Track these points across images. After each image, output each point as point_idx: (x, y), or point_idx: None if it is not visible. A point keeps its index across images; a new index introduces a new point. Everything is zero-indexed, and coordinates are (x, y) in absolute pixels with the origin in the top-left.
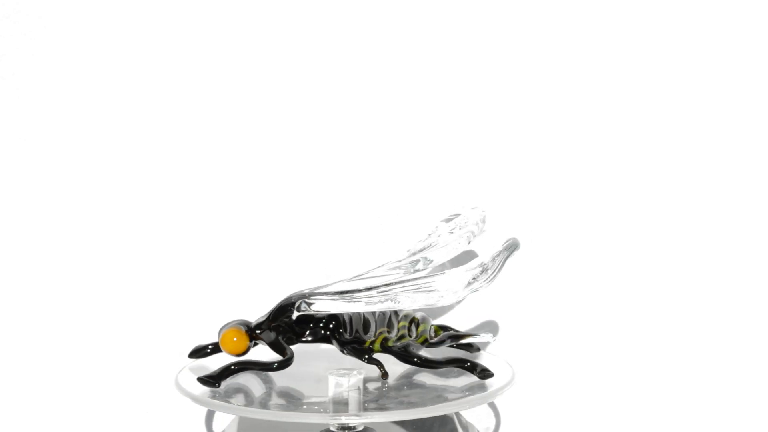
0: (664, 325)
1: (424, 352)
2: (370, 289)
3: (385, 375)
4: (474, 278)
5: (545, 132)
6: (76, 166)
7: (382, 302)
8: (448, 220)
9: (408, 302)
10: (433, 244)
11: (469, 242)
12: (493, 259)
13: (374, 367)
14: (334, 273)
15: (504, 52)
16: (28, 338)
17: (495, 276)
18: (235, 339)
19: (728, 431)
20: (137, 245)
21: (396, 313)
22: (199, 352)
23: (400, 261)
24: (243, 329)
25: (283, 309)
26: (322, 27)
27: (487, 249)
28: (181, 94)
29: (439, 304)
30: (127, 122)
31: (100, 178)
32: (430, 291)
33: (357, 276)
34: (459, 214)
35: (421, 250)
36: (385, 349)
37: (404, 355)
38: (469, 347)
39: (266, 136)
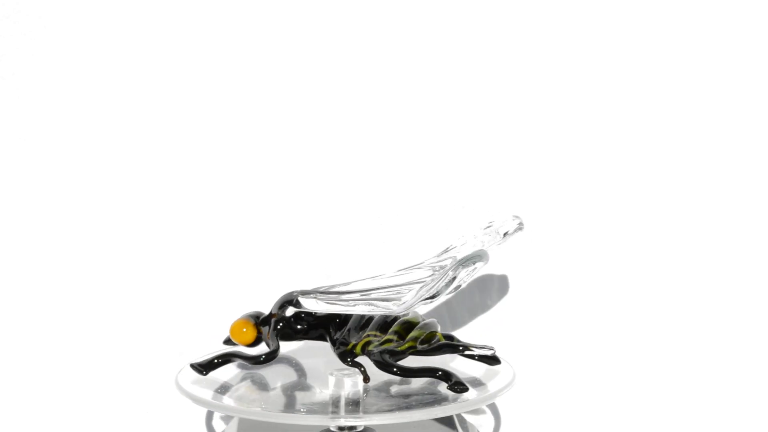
0: (664, 325)
1: (407, 360)
2: (354, 292)
3: (366, 379)
4: (419, 291)
5: (548, 132)
6: (76, 165)
7: (357, 306)
8: (482, 228)
9: (375, 309)
10: (451, 248)
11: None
12: (446, 271)
13: (374, 367)
14: (333, 273)
15: (503, 53)
16: (29, 339)
17: (444, 287)
18: (244, 330)
19: (728, 431)
20: (138, 246)
21: (400, 316)
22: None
23: (423, 262)
24: (252, 321)
25: (283, 305)
26: (324, 26)
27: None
28: (181, 94)
29: (394, 314)
30: (127, 122)
31: (100, 177)
32: (394, 299)
33: (377, 275)
34: (493, 222)
35: (446, 251)
36: (366, 353)
37: (380, 362)
38: (491, 360)
39: (269, 137)
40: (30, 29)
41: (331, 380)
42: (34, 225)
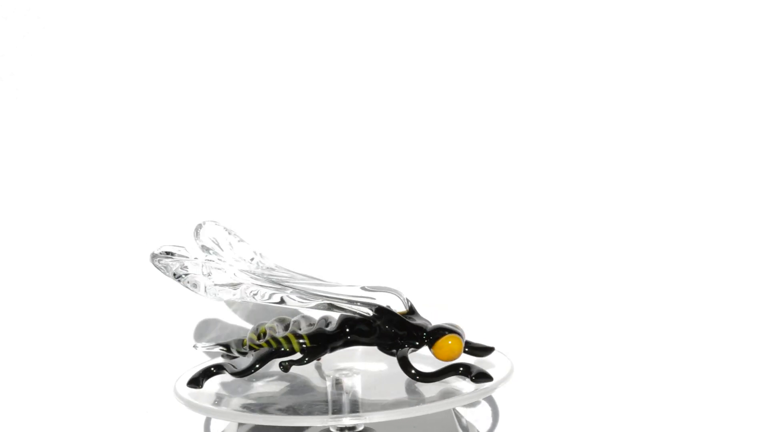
0: (663, 323)
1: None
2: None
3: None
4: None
5: (545, 131)
6: (75, 166)
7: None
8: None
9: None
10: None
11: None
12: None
13: (373, 366)
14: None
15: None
16: (29, 343)
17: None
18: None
19: (728, 430)
20: (138, 250)
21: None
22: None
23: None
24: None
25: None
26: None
27: None
28: (180, 95)
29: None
30: (127, 122)
31: (100, 178)
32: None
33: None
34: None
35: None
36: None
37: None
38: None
39: (267, 139)
40: (30, 29)
41: (330, 381)
42: (34, 226)
